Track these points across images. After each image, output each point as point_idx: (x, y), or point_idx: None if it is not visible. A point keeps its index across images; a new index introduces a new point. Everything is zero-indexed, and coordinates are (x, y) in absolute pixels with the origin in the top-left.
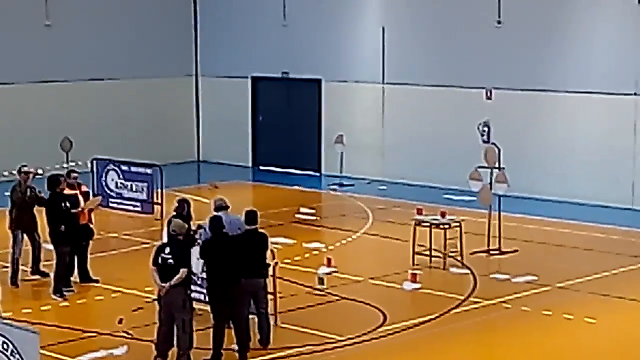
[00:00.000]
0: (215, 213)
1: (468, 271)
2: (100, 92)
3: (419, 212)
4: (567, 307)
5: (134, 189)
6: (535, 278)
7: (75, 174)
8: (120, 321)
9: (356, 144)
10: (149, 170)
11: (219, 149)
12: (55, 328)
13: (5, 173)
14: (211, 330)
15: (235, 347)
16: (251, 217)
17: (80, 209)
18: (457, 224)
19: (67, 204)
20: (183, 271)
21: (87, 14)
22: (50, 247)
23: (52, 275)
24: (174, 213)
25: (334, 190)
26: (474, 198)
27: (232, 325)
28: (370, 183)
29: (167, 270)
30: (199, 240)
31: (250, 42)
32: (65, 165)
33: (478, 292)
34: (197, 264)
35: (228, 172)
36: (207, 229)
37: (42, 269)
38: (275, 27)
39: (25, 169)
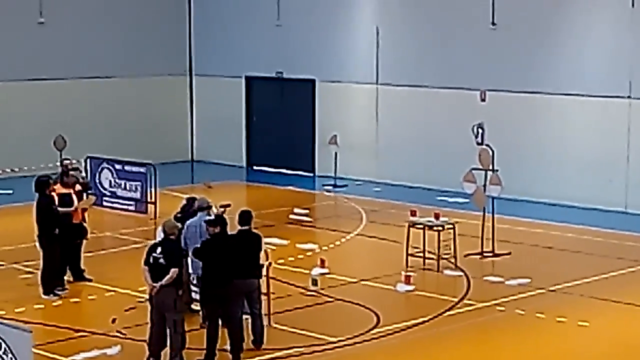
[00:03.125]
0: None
1: (462, 273)
2: (94, 90)
3: (413, 213)
4: (560, 310)
5: (127, 188)
6: (529, 280)
7: (75, 172)
8: (113, 321)
9: (350, 145)
10: (142, 169)
11: (213, 148)
12: (49, 327)
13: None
14: (204, 330)
15: (228, 347)
16: (245, 217)
17: (74, 209)
18: (451, 226)
19: (57, 208)
20: (174, 271)
21: (81, 12)
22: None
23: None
24: (179, 210)
25: (328, 191)
26: (468, 200)
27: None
28: (364, 184)
29: (158, 270)
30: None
31: (244, 41)
32: (58, 164)
33: (471, 295)
34: (195, 264)
35: (221, 171)
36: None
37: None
38: (269, 27)
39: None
